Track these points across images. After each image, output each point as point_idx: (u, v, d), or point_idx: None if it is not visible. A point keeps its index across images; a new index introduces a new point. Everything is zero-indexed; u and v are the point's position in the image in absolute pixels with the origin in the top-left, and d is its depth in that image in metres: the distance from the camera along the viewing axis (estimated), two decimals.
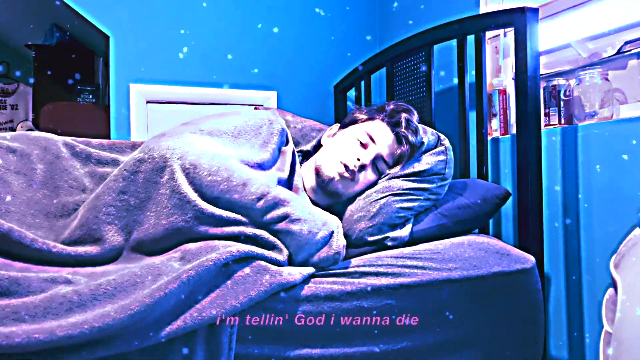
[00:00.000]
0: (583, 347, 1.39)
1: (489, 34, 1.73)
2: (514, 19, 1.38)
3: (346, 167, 1.18)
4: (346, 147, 1.22)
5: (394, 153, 1.24)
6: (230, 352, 0.83)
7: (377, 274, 1.00)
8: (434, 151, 1.26)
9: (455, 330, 1.04)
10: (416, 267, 1.03)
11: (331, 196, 1.21)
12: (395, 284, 0.99)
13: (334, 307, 0.94)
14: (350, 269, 1.00)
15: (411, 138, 1.22)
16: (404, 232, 1.18)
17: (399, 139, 1.24)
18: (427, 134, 1.28)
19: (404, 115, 1.26)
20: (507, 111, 1.67)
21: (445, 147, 1.28)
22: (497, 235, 1.66)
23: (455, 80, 1.64)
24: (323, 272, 0.99)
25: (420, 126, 1.28)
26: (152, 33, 1.99)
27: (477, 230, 1.54)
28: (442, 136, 1.31)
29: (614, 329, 0.86)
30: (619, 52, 1.41)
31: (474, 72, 1.56)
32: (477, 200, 1.28)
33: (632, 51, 1.38)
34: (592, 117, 1.40)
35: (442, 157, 1.25)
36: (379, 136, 1.24)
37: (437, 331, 1.02)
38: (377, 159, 1.23)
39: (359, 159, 1.19)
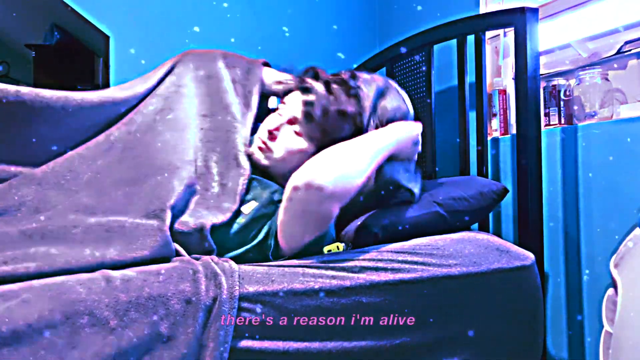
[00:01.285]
0: (583, 347, 1.39)
1: (489, 34, 1.73)
2: (514, 19, 1.38)
3: (260, 139, 1.19)
4: (263, 123, 1.23)
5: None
6: (226, 345, 0.83)
7: (376, 269, 0.99)
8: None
9: (454, 326, 1.04)
10: (416, 262, 1.03)
11: (265, 173, 1.19)
12: (394, 280, 0.99)
13: (332, 302, 0.94)
14: (349, 264, 1.00)
15: (316, 85, 1.19)
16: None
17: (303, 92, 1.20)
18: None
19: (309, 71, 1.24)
20: (507, 111, 1.67)
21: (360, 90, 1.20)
22: (497, 235, 1.66)
23: (455, 80, 1.64)
24: (323, 266, 0.99)
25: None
26: (152, 33, 1.99)
27: (477, 228, 1.54)
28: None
29: (614, 329, 0.86)
30: (619, 52, 1.41)
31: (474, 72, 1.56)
32: (474, 194, 1.29)
33: (632, 51, 1.38)
34: (592, 117, 1.40)
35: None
36: (289, 99, 1.21)
37: (436, 327, 1.02)
38: (292, 123, 1.19)
39: (266, 128, 1.19)
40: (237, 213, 1.08)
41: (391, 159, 1.16)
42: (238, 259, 1.00)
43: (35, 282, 0.78)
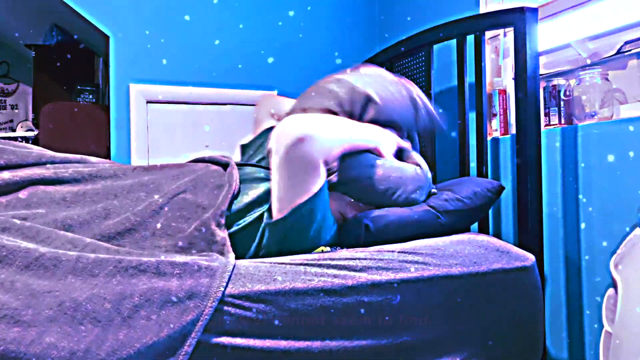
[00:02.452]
0: (583, 347, 1.39)
1: (489, 34, 1.73)
2: (513, 19, 1.38)
3: None
4: None
5: None
6: (193, 340, 0.85)
7: (378, 269, 1.00)
8: None
9: (454, 326, 1.04)
10: (417, 262, 1.03)
11: None
12: (395, 279, 0.99)
13: (334, 301, 0.94)
14: (351, 263, 1.00)
15: None
16: None
17: None
18: None
19: None
20: (507, 111, 1.67)
21: None
22: (497, 235, 1.66)
23: (455, 81, 1.64)
24: (325, 265, 1.00)
25: None
26: (152, 33, 1.99)
27: (476, 230, 1.54)
28: None
29: (614, 329, 0.86)
30: (619, 52, 1.41)
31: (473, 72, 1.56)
32: (468, 194, 1.29)
33: (632, 51, 1.38)
34: (592, 117, 1.40)
35: None
36: None
37: (437, 327, 1.02)
38: None
39: None
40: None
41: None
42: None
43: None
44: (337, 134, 1.15)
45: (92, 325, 0.80)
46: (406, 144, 1.34)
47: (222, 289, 0.89)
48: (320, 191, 1.08)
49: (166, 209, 1.07)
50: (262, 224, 1.11)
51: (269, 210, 1.12)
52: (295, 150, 1.03)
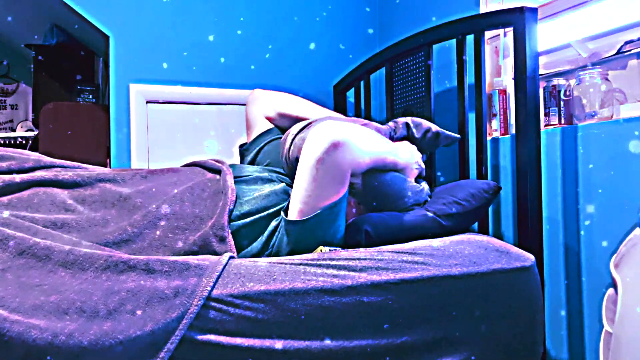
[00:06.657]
0: (583, 347, 1.39)
1: (489, 34, 1.73)
2: (513, 19, 1.38)
3: None
4: None
5: None
6: (176, 338, 0.86)
7: (377, 269, 1.00)
8: None
9: (454, 326, 1.04)
10: (416, 262, 1.03)
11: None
12: (395, 279, 0.99)
13: (334, 301, 0.94)
14: (351, 263, 1.00)
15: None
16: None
17: None
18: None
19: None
20: (507, 111, 1.67)
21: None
22: (497, 235, 1.66)
23: (455, 81, 1.64)
24: (324, 265, 1.00)
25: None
26: (152, 33, 1.99)
27: (476, 230, 1.54)
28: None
29: (614, 329, 0.86)
30: (619, 52, 1.41)
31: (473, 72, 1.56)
32: (465, 196, 1.30)
33: (632, 51, 1.38)
34: (592, 117, 1.40)
35: None
36: None
37: (437, 327, 1.02)
38: None
39: None
40: None
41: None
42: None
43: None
44: (369, 147, 1.18)
45: (77, 315, 0.82)
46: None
47: (210, 288, 0.89)
48: (342, 198, 1.11)
49: (163, 219, 1.08)
50: (274, 222, 1.13)
51: (284, 210, 1.14)
52: (328, 155, 1.05)
